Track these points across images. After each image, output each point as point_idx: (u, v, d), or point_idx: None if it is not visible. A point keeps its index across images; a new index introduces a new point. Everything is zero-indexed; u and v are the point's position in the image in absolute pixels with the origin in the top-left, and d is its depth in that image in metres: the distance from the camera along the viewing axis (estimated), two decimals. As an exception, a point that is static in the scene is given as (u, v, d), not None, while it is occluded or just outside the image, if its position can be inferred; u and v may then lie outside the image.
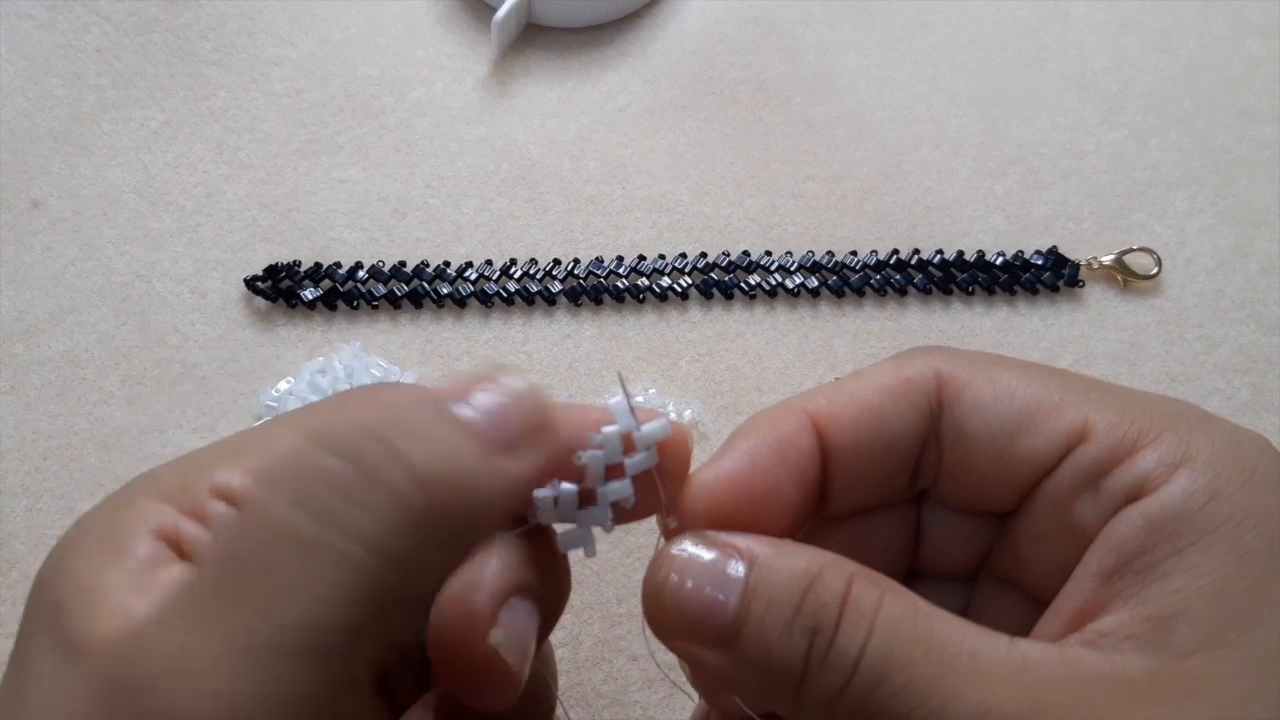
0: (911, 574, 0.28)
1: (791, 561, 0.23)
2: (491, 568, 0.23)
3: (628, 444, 0.24)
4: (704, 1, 0.47)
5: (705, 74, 0.46)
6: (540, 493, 0.24)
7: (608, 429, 0.24)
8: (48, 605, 0.22)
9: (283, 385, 0.39)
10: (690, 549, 0.23)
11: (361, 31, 0.46)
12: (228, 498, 0.23)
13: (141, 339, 0.40)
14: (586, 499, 0.24)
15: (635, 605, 0.37)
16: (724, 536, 0.23)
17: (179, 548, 0.22)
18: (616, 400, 0.24)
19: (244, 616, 0.19)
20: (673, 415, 0.39)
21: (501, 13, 0.43)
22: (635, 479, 0.24)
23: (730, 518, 0.24)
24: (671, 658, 0.25)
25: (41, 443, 0.38)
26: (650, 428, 0.24)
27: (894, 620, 0.22)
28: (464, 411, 0.21)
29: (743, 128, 0.45)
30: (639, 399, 0.39)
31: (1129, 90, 0.46)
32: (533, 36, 0.46)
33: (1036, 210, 0.44)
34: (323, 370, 0.39)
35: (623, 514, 0.25)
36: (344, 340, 0.40)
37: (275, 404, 0.39)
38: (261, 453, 0.23)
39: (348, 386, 0.39)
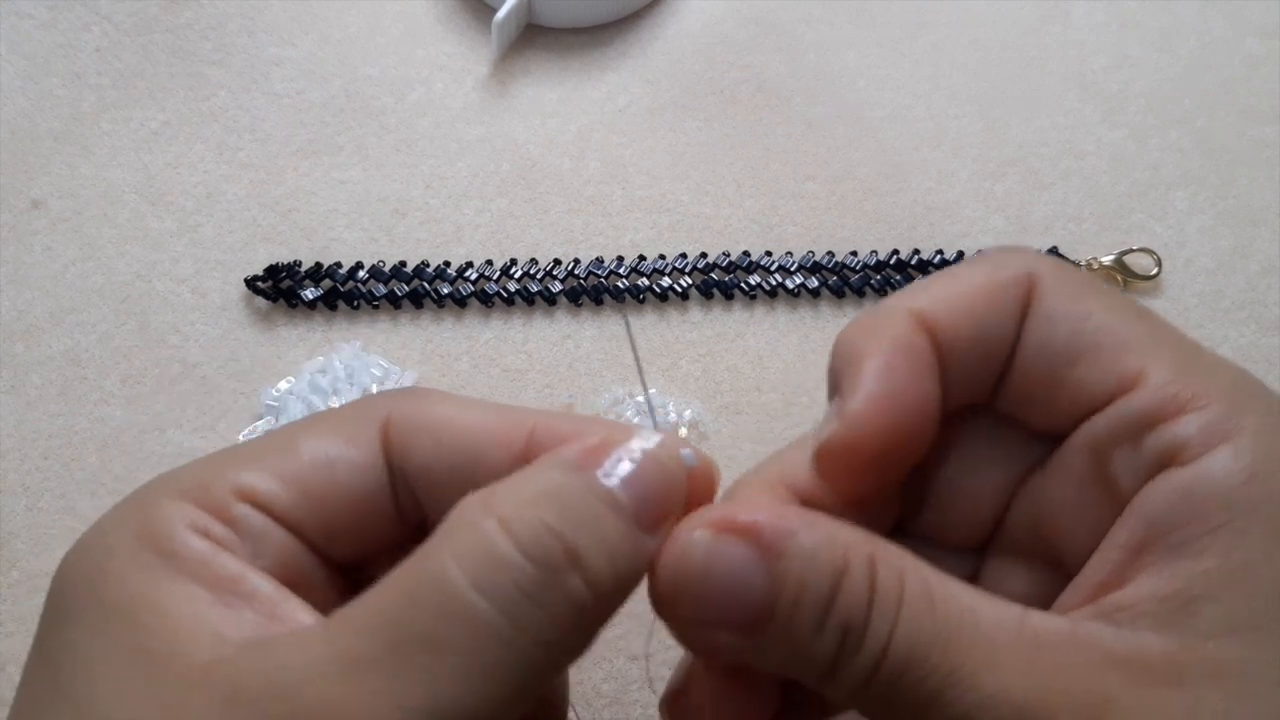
0: (921, 542, 0.27)
1: (816, 548, 0.22)
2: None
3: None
4: (704, 1, 0.47)
5: (705, 74, 0.46)
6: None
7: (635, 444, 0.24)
8: (95, 615, 0.21)
9: (283, 385, 0.39)
10: (707, 536, 0.22)
11: (361, 31, 0.46)
12: (253, 500, 0.23)
13: (141, 339, 0.40)
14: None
15: (634, 605, 0.37)
16: (744, 517, 0.22)
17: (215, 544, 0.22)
18: (647, 430, 0.24)
19: (408, 684, 0.19)
20: (673, 416, 0.39)
21: (502, 13, 0.43)
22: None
23: (891, 441, 0.24)
24: (667, 659, 0.25)
25: (42, 442, 0.38)
26: (686, 453, 0.24)
27: (915, 610, 0.22)
28: (612, 486, 0.22)
29: (743, 128, 0.45)
30: (639, 399, 0.39)
31: (1129, 90, 0.46)
32: (533, 37, 0.46)
33: (1036, 210, 0.44)
34: (323, 370, 0.39)
35: None
36: (344, 340, 0.40)
37: (275, 404, 0.39)
38: (290, 457, 0.24)
39: (348, 386, 0.39)
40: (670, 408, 0.39)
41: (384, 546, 0.26)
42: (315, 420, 0.25)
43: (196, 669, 0.20)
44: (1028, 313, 0.25)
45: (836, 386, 0.25)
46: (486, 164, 0.43)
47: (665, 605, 0.23)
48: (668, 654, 0.23)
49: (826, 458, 0.25)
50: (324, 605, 0.24)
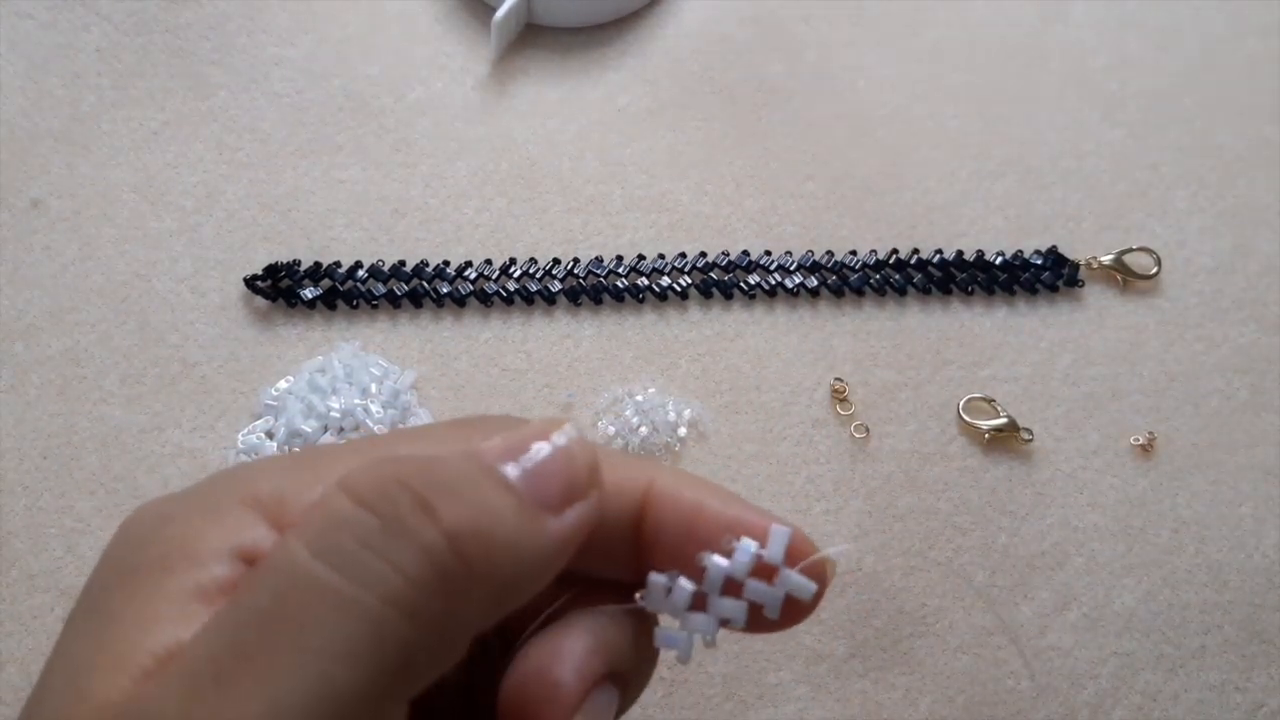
0: None
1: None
2: (584, 645, 0.22)
3: (761, 567, 0.22)
4: (704, 1, 0.47)
5: (705, 74, 0.46)
6: (655, 578, 0.23)
7: (747, 542, 0.22)
8: (101, 611, 0.20)
9: (282, 384, 0.39)
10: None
11: (361, 31, 0.46)
12: None
13: (141, 338, 0.40)
14: (699, 603, 0.22)
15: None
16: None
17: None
18: (780, 529, 0.22)
19: (260, 675, 0.17)
20: (672, 416, 0.39)
21: (501, 13, 0.43)
22: (758, 610, 0.22)
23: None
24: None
25: (41, 441, 0.38)
26: (794, 581, 0.22)
27: None
28: (507, 469, 0.20)
29: (743, 128, 0.45)
30: (639, 398, 0.39)
31: (1129, 90, 0.46)
32: (532, 36, 0.46)
33: (1036, 210, 0.44)
34: (322, 369, 0.39)
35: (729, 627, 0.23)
36: (344, 339, 0.40)
37: (275, 403, 0.39)
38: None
39: (347, 386, 0.39)
40: (670, 407, 0.39)
41: None
42: (405, 438, 0.23)
43: (92, 700, 0.18)
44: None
45: None
46: (486, 164, 0.43)
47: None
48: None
49: None
50: None
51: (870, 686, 0.36)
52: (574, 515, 0.20)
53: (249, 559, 0.21)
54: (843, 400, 0.40)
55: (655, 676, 0.36)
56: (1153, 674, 0.37)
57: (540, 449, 0.21)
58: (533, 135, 0.44)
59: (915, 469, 0.39)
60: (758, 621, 0.22)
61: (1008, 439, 0.39)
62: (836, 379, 0.40)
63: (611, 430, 0.39)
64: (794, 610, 0.22)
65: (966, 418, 0.40)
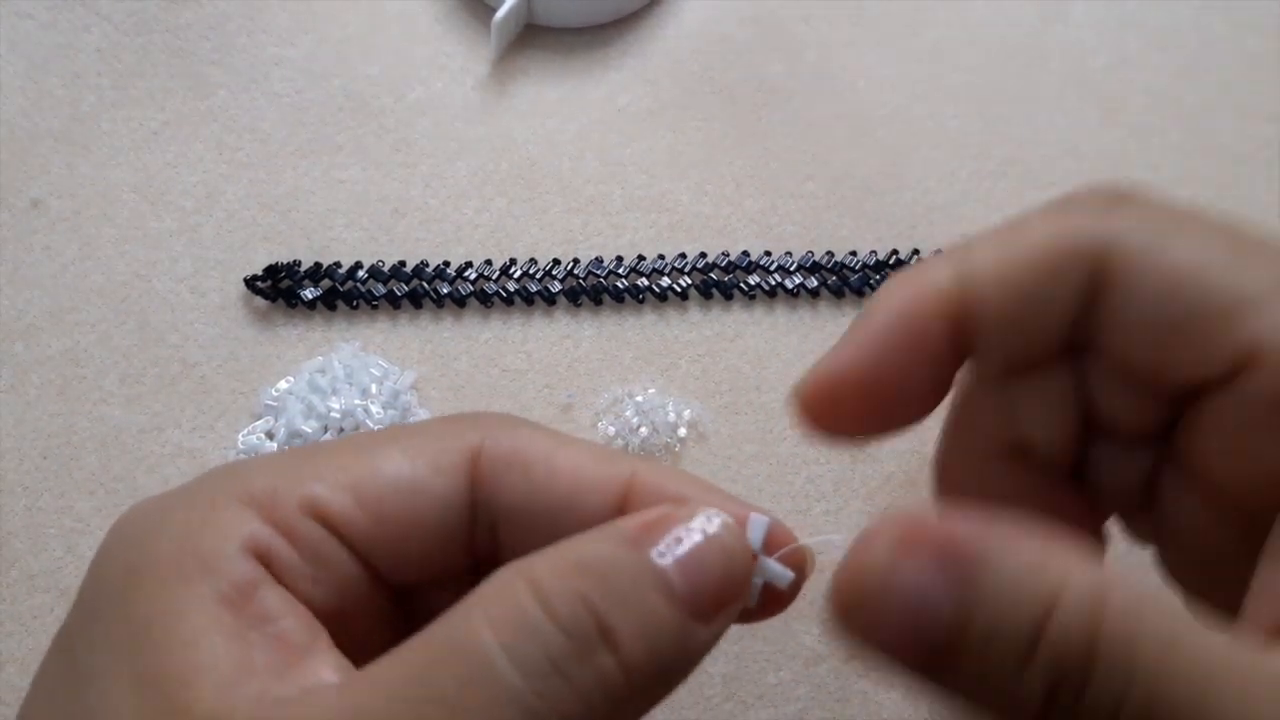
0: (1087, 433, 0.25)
1: (1018, 577, 0.18)
2: None
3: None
4: (704, 1, 0.47)
5: (705, 74, 0.46)
6: None
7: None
8: (124, 622, 0.20)
9: (282, 384, 0.39)
10: (887, 553, 0.19)
11: (361, 31, 0.46)
12: (324, 519, 0.22)
13: (141, 338, 0.40)
14: None
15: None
16: (934, 529, 0.19)
17: (268, 568, 0.21)
18: (759, 517, 0.22)
19: None
20: (672, 416, 0.39)
21: (501, 13, 0.43)
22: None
23: (848, 416, 0.23)
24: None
25: (41, 442, 0.38)
26: (772, 569, 0.22)
27: (1155, 656, 0.18)
28: (664, 564, 0.20)
29: (743, 128, 0.45)
30: (639, 399, 0.39)
31: (1129, 90, 0.46)
32: (533, 36, 0.46)
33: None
34: (322, 370, 0.39)
35: None
36: (344, 340, 0.40)
37: (275, 403, 0.39)
38: (369, 475, 0.22)
39: (347, 386, 0.39)
40: (670, 408, 0.39)
41: (448, 574, 0.24)
42: (400, 435, 0.24)
43: (195, 715, 0.19)
44: (1107, 287, 0.22)
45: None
46: (486, 164, 0.44)
47: (839, 624, 0.20)
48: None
49: (794, 402, 0.24)
50: (374, 631, 0.23)
51: (870, 687, 0.36)
52: (722, 621, 0.21)
53: (258, 555, 0.21)
54: (843, 400, 0.40)
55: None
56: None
57: (692, 535, 0.21)
58: (533, 135, 0.44)
59: (915, 469, 0.39)
60: (742, 613, 0.23)
61: (1008, 439, 0.39)
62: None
63: (611, 430, 0.39)
64: (773, 599, 0.23)
65: (966, 418, 0.40)
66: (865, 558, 0.20)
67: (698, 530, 0.21)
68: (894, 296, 0.23)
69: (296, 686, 0.20)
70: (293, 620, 0.21)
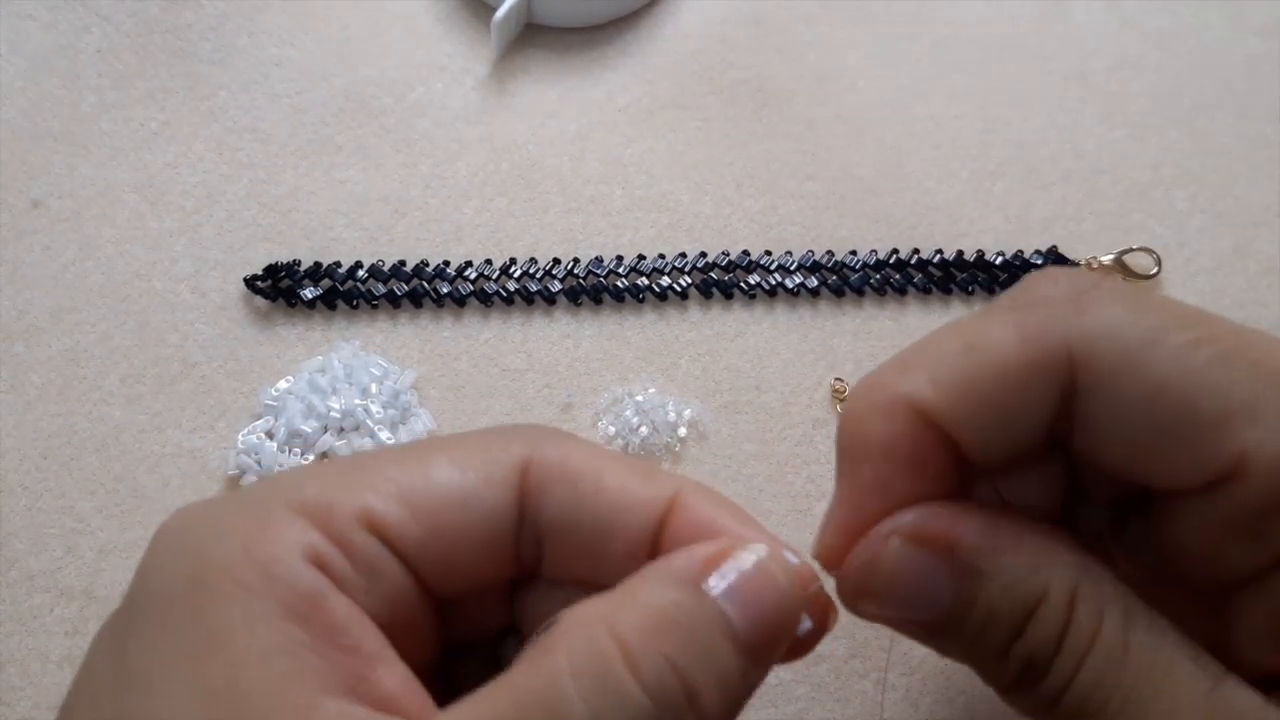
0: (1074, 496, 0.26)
1: (1015, 578, 0.21)
2: None
3: None
4: (704, 1, 0.47)
5: (705, 74, 0.46)
6: None
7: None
8: (188, 633, 0.20)
9: (282, 384, 0.39)
10: (899, 545, 0.22)
11: (361, 31, 0.46)
12: (379, 530, 0.22)
13: (141, 338, 0.40)
14: None
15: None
16: (943, 528, 0.21)
17: (328, 578, 0.21)
18: (792, 556, 0.23)
19: None
20: (672, 416, 0.39)
21: (501, 13, 0.43)
22: None
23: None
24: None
25: (41, 442, 0.38)
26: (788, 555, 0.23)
27: (1105, 656, 0.21)
28: (724, 604, 0.21)
29: (743, 128, 0.45)
30: (639, 398, 0.39)
31: (1129, 90, 0.46)
32: (533, 36, 0.46)
33: (1036, 210, 0.44)
34: (322, 369, 0.39)
35: None
36: (344, 339, 0.40)
37: (275, 403, 0.39)
38: (422, 487, 0.22)
39: (347, 386, 0.39)
40: (670, 407, 0.39)
41: (490, 586, 0.24)
42: (449, 445, 0.24)
43: None
44: (1081, 397, 0.22)
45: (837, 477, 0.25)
46: (486, 164, 0.44)
47: (847, 600, 0.23)
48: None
49: (821, 563, 0.25)
50: (421, 641, 0.23)
51: (870, 687, 0.36)
52: (778, 655, 0.22)
53: (318, 563, 0.21)
54: (843, 400, 0.40)
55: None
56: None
57: (744, 564, 0.21)
58: (533, 135, 0.44)
59: (915, 469, 0.39)
60: None
61: (1008, 439, 0.39)
62: (837, 379, 0.40)
63: (612, 430, 0.39)
64: (795, 645, 0.23)
65: (967, 418, 0.40)
66: (881, 545, 0.22)
67: (751, 564, 0.21)
68: (869, 426, 0.23)
69: (372, 707, 0.20)
70: (361, 631, 0.21)
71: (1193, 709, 0.20)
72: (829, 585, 0.24)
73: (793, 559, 0.22)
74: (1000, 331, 0.22)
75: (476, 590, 0.24)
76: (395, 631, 0.22)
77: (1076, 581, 0.21)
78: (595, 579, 0.23)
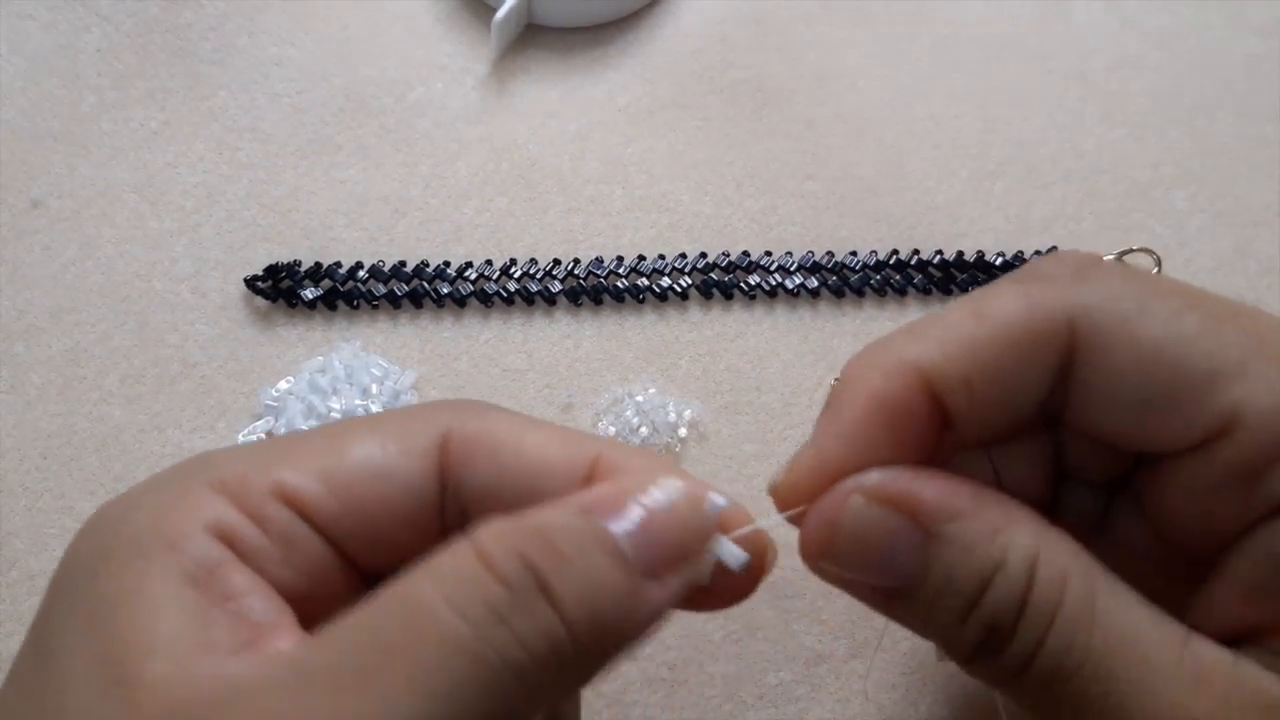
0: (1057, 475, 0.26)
1: (974, 540, 0.21)
2: None
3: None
4: (704, 1, 0.47)
5: (705, 74, 0.46)
6: None
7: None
8: (88, 602, 0.21)
9: (282, 385, 0.39)
10: (862, 503, 0.22)
11: (361, 31, 0.46)
12: (293, 502, 0.22)
13: (141, 338, 0.40)
14: None
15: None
16: (905, 487, 0.22)
17: (234, 550, 0.21)
18: (718, 497, 0.23)
19: (363, 698, 0.18)
20: (673, 416, 0.39)
21: (501, 13, 0.43)
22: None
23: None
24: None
25: (41, 442, 0.38)
26: (726, 549, 0.23)
27: (1071, 622, 0.21)
28: (616, 529, 0.21)
29: (743, 128, 0.45)
30: (639, 399, 0.39)
31: (1129, 90, 0.46)
32: (533, 36, 0.46)
33: (1036, 210, 0.44)
34: (322, 370, 0.39)
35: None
36: (344, 340, 0.40)
37: (275, 403, 0.39)
38: (339, 461, 0.23)
39: (348, 386, 0.39)
40: (670, 408, 0.39)
41: (420, 559, 0.25)
42: (369, 422, 0.24)
43: (148, 684, 0.19)
44: (1078, 362, 0.22)
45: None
46: (486, 164, 0.43)
47: (809, 559, 0.23)
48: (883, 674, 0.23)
49: (774, 495, 0.24)
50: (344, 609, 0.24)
51: (870, 687, 0.36)
52: (676, 582, 0.21)
53: (224, 537, 0.21)
54: (843, 400, 0.40)
55: (656, 678, 0.36)
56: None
57: (651, 499, 0.21)
58: (533, 135, 0.44)
59: (915, 469, 0.39)
60: (696, 593, 0.23)
61: (1008, 439, 0.39)
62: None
63: (612, 430, 0.39)
64: (731, 585, 0.23)
65: (967, 418, 0.40)
66: (843, 502, 0.22)
67: (652, 497, 0.21)
68: (866, 381, 0.23)
69: (254, 660, 0.20)
70: (257, 599, 0.21)
71: (1163, 670, 0.21)
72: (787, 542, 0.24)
73: (719, 499, 0.23)
74: (1006, 301, 0.23)
75: (408, 562, 0.25)
76: (322, 603, 0.22)
77: (1037, 548, 0.21)
78: None
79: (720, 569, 0.23)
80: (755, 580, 0.24)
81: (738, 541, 0.23)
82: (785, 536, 0.25)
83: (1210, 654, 0.21)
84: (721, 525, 0.23)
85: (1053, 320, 0.22)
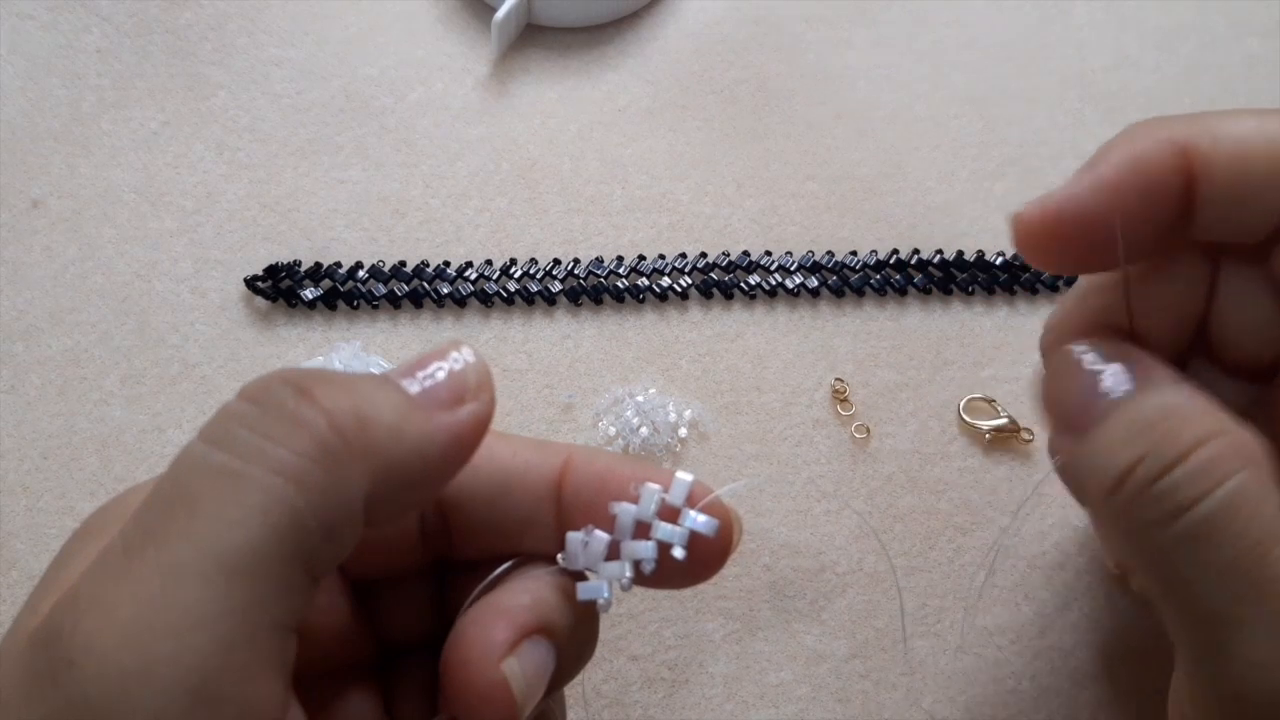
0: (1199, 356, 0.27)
1: (1168, 400, 0.22)
2: (520, 600, 0.24)
3: (667, 511, 0.24)
4: (704, 1, 0.47)
5: (705, 74, 0.46)
6: (572, 535, 0.24)
7: (650, 485, 0.24)
8: (54, 565, 0.23)
9: (282, 385, 0.39)
10: (1089, 355, 0.24)
11: (361, 31, 0.46)
12: None
13: (141, 338, 0.40)
14: (614, 553, 0.24)
15: (635, 605, 0.37)
16: (1138, 352, 0.23)
17: None
18: (683, 476, 0.24)
19: (161, 544, 0.19)
20: (673, 416, 0.39)
21: (501, 13, 0.43)
22: (667, 550, 0.24)
23: (1061, 245, 0.24)
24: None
25: (41, 442, 0.38)
26: (698, 520, 0.24)
27: (1243, 495, 0.21)
28: (403, 381, 0.22)
29: (743, 128, 0.45)
30: (639, 399, 0.39)
31: (1129, 90, 0.46)
32: (533, 36, 0.46)
33: (1036, 210, 0.44)
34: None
35: (649, 580, 0.25)
36: (344, 340, 0.40)
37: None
38: None
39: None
40: (670, 408, 0.39)
41: (404, 568, 0.26)
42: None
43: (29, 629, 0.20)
44: None
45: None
46: (486, 164, 0.43)
47: (1049, 343, 0.26)
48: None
49: (1014, 224, 0.25)
50: (346, 635, 0.25)
51: (871, 687, 0.36)
52: (466, 411, 0.22)
53: None
54: (843, 401, 0.40)
55: (656, 678, 0.36)
56: (1157, 674, 0.37)
57: (439, 368, 0.22)
58: (533, 135, 0.44)
59: (916, 469, 0.39)
60: (672, 568, 0.24)
61: (1008, 439, 0.39)
62: (837, 379, 0.40)
63: (612, 430, 0.39)
64: (705, 554, 0.24)
65: (967, 418, 0.40)
66: (1066, 350, 0.24)
67: (443, 364, 0.23)
68: (1135, 144, 0.24)
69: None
70: None
71: None
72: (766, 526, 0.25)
73: (686, 476, 0.24)
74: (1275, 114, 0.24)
75: (392, 574, 0.25)
76: (310, 619, 0.23)
77: (1228, 435, 0.22)
78: (504, 551, 0.25)
79: (696, 539, 0.24)
80: (725, 549, 0.25)
81: (704, 510, 0.24)
82: (784, 536, 0.25)
83: None
84: (690, 499, 0.24)
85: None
